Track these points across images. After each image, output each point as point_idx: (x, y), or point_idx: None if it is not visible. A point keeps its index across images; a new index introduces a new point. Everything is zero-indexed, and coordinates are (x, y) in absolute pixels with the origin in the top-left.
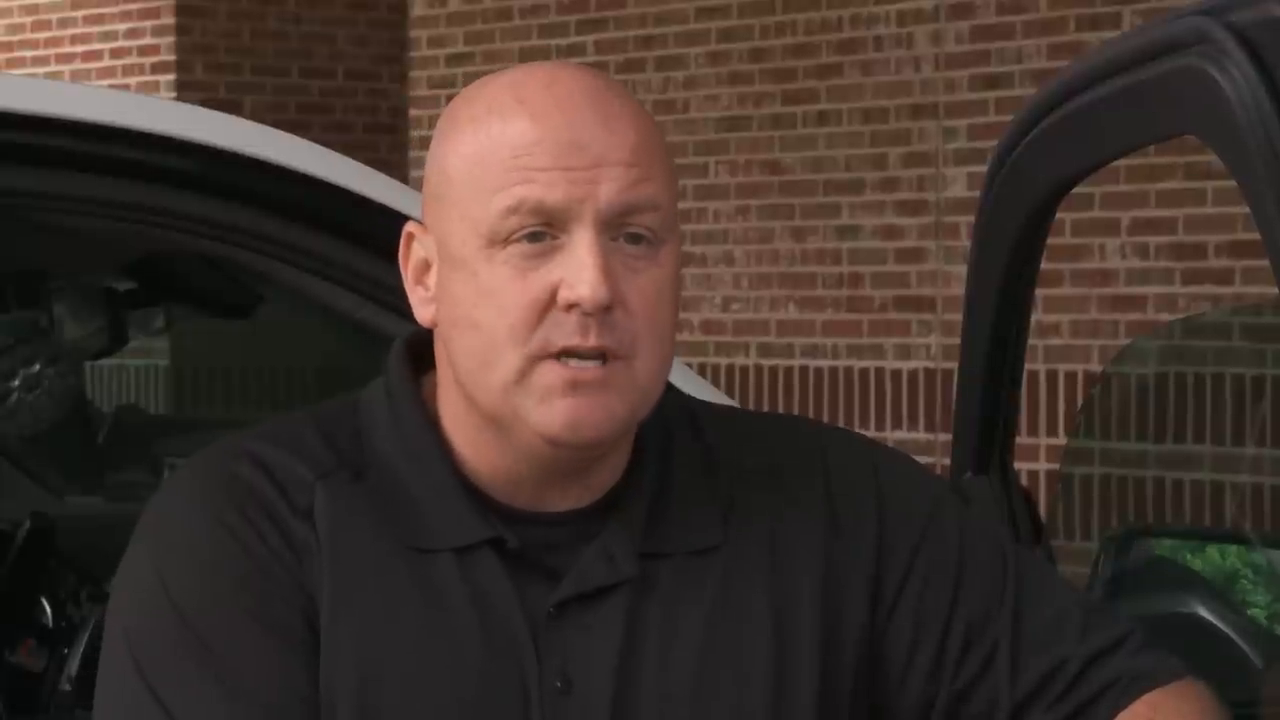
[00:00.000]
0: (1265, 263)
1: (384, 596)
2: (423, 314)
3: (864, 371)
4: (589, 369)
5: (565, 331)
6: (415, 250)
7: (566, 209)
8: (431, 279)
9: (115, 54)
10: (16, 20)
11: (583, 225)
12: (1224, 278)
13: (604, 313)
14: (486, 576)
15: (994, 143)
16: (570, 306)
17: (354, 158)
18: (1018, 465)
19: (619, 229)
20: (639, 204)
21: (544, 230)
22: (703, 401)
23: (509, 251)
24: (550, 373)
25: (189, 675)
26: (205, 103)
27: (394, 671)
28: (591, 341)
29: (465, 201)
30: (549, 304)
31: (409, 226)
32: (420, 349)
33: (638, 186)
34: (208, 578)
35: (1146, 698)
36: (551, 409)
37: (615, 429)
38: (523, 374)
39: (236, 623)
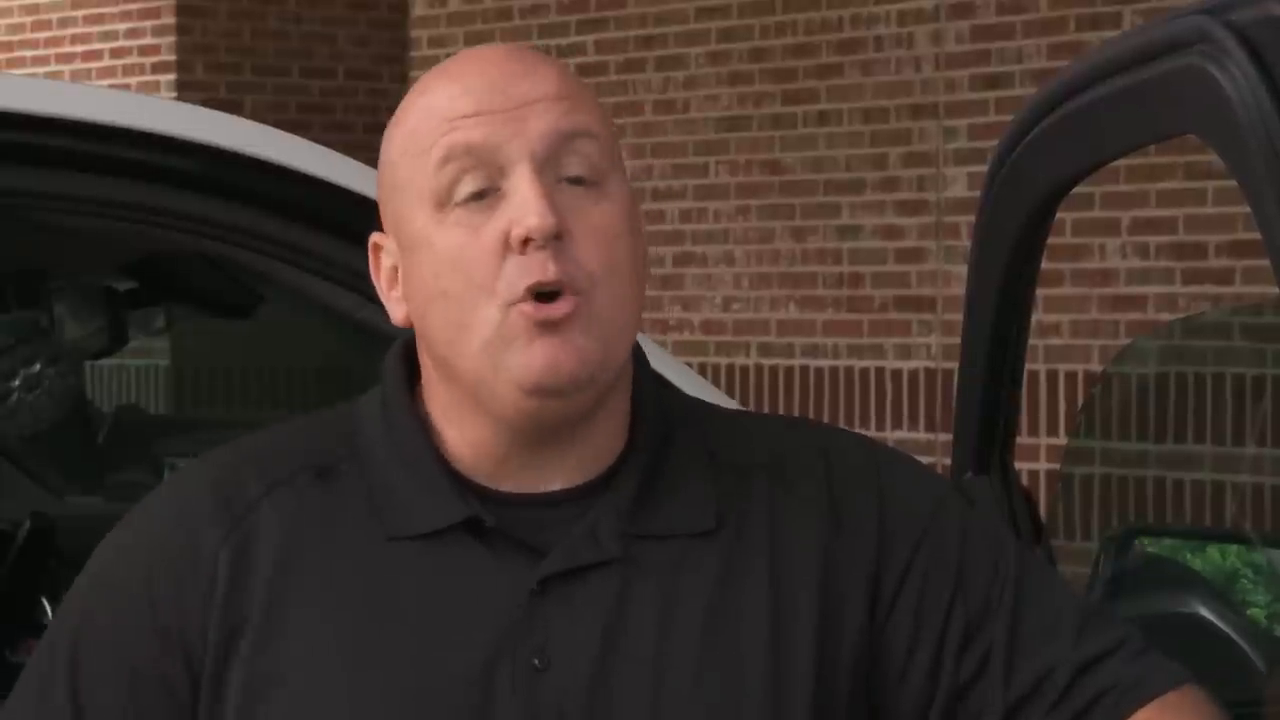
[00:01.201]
0: (1265, 263)
1: (358, 588)
2: (397, 314)
3: (864, 371)
4: (554, 306)
5: (526, 271)
6: (384, 259)
7: (497, 149)
8: (400, 279)
9: (115, 54)
10: (16, 20)
11: (519, 165)
12: (1224, 278)
13: (556, 243)
14: (462, 557)
15: (994, 143)
16: (523, 244)
17: (354, 158)
18: (1018, 465)
19: (558, 168)
20: (573, 130)
21: (486, 189)
22: (707, 403)
23: (457, 214)
24: (520, 317)
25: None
26: (206, 103)
27: (347, 660)
28: (551, 274)
29: (409, 177)
30: (504, 249)
31: (374, 238)
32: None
33: (569, 115)
34: (111, 616)
35: (1147, 708)
36: (530, 354)
37: (589, 369)
38: (499, 328)
39: (115, 670)
